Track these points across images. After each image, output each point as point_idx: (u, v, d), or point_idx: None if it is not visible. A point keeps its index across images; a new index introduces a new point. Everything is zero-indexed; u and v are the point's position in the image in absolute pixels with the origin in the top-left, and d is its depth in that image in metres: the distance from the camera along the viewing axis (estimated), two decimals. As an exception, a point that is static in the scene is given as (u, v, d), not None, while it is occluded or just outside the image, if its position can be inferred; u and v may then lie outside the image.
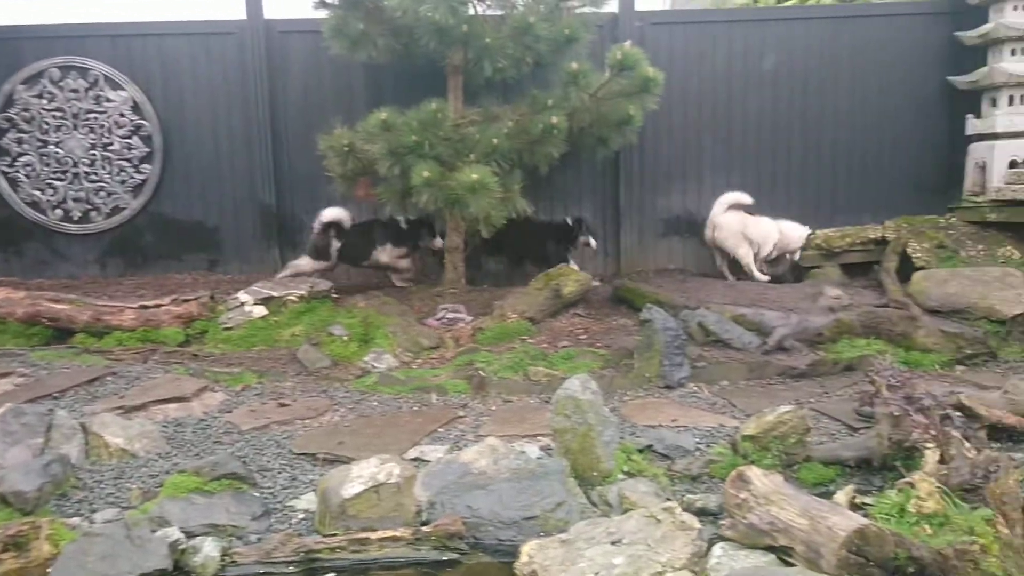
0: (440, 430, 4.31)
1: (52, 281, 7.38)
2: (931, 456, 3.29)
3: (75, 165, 7.43)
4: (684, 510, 3.01)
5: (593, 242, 7.32)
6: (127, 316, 5.85)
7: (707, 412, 4.58)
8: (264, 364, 5.49)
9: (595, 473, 3.55)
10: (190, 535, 3.12)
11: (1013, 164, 7.02)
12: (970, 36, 7.21)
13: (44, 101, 7.36)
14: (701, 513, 3.28)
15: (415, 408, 4.73)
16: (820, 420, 4.33)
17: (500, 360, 5.30)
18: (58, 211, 7.49)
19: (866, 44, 7.57)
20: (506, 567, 3.00)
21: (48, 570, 2.86)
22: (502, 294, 6.47)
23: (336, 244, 6.99)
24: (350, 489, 3.26)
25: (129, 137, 7.42)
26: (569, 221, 7.27)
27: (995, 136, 7.08)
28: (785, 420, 3.69)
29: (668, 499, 3.35)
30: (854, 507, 3.09)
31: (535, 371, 5.10)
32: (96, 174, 7.44)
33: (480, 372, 5.12)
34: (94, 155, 7.42)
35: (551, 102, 6.19)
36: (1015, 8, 6.95)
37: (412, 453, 3.96)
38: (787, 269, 7.41)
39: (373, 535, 3.14)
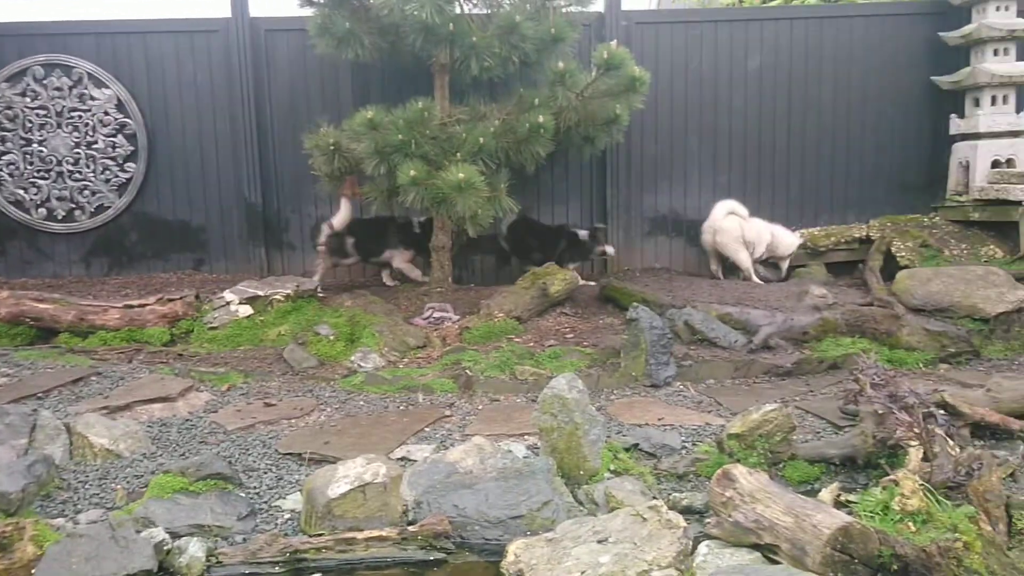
0: (427, 429, 4.30)
1: (36, 280, 7.33)
2: (915, 454, 3.31)
3: (59, 164, 7.37)
4: (670, 509, 3.02)
5: (610, 250, 7.34)
6: (112, 316, 5.81)
7: (693, 411, 4.60)
8: (250, 364, 5.47)
9: (581, 472, 3.56)
10: (175, 536, 3.11)
11: (996, 164, 7.09)
12: (953, 36, 7.27)
13: (27, 99, 7.30)
14: (687, 511, 3.30)
15: (402, 407, 4.72)
16: (805, 418, 4.36)
17: (487, 359, 5.30)
18: (42, 210, 7.44)
19: (850, 44, 7.62)
20: (493, 566, 3.01)
21: (32, 571, 2.83)
22: (489, 293, 6.47)
23: (350, 240, 6.99)
24: (336, 489, 3.26)
25: (114, 135, 7.37)
26: (586, 232, 7.26)
27: (978, 136, 7.14)
28: (770, 418, 3.71)
29: (654, 498, 3.37)
30: (839, 505, 3.11)
31: (522, 370, 5.11)
32: (80, 173, 7.39)
33: (467, 371, 5.12)
34: (78, 154, 7.37)
35: (538, 101, 6.19)
36: (998, 9, 7.01)
37: (398, 453, 3.95)
38: (785, 274, 7.40)
39: (359, 535, 3.14)
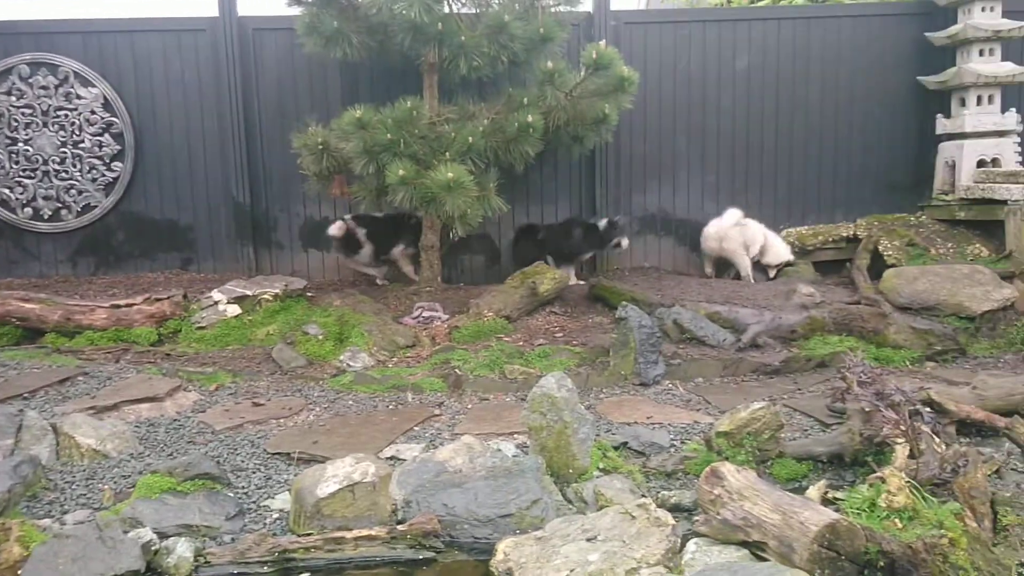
0: (416, 429, 4.30)
1: (22, 280, 7.28)
2: (901, 451, 3.33)
3: (45, 163, 7.32)
4: (659, 506, 3.04)
5: (624, 243, 7.34)
6: (99, 315, 5.78)
7: (682, 409, 4.61)
8: (238, 363, 5.45)
9: (571, 470, 3.57)
10: (163, 536, 3.10)
11: (981, 163, 7.14)
12: (939, 37, 7.31)
13: (13, 98, 7.25)
14: (675, 509, 3.31)
15: (391, 407, 4.72)
16: (793, 416, 4.38)
17: (476, 358, 5.30)
18: (28, 209, 7.39)
19: (838, 44, 7.65)
20: (482, 565, 3.01)
21: (18, 572, 2.82)
22: (478, 292, 6.47)
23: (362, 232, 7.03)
24: (325, 488, 3.25)
25: (100, 134, 7.33)
26: (603, 223, 7.25)
27: (964, 136, 7.19)
28: (758, 416, 3.72)
29: (643, 496, 3.38)
30: (826, 502, 3.13)
31: (511, 369, 5.11)
32: (67, 172, 7.34)
33: (456, 370, 5.12)
34: (64, 153, 7.32)
35: (527, 100, 6.20)
36: (983, 9, 7.06)
37: (388, 452, 3.95)
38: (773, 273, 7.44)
39: (348, 534, 3.14)
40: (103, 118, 7.31)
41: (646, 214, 7.73)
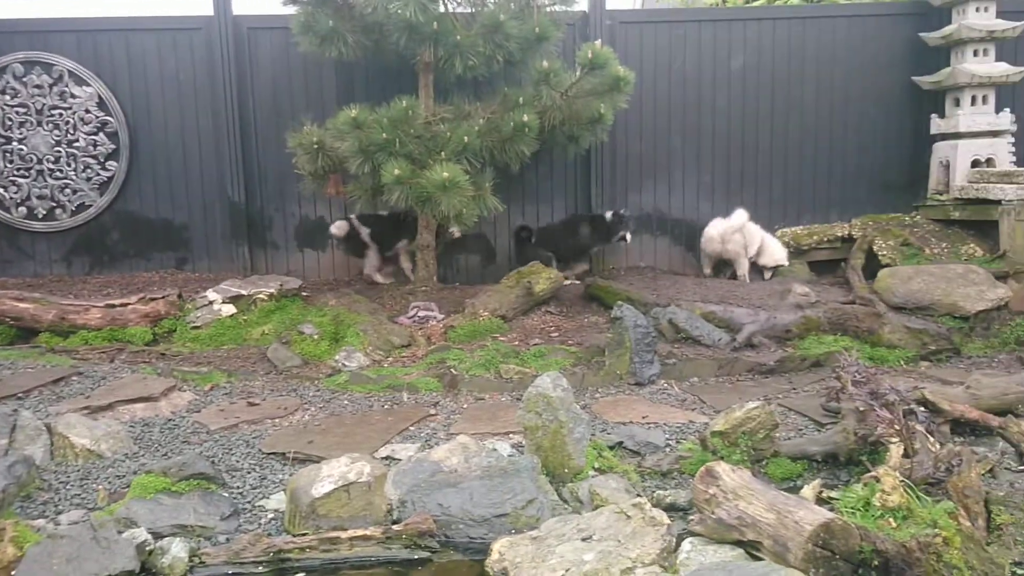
0: (411, 428, 4.30)
1: (16, 280, 7.25)
2: (895, 450, 3.34)
3: (40, 162, 7.30)
4: (654, 506, 3.04)
5: (629, 236, 7.34)
6: (93, 315, 5.77)
7: (677, 409, 4.62)
8: (233, 363, 5.44)
9: (566, 470, 3.57)
10: (158, 536, 3.09)
11: (976, 163, 7.16)
12: (934, 37, 7.33)
13: (7, 97, 7.23)
14: (671, 509, 3.31)
15: (386, 406, 4.71)
16: (788, 416, 4.39)
17: (472, 358, 5.30)
18: (22, 208, 7.36)
19: (833, 45, 7.67)
20: (477, 565, 3.01)
21: (12, 573, 2.81)
22: (474, 292, 6.47)
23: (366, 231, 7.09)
24: (320, 488, 3.25)
25: (95, 133, 7.31)
26: (609, 215, 7.26)
27: (958, 136, 7.21)
28: (753, 416, 3.73)
29: (638, 495, 3.38)
30: (820, 501, 3.14)
31: (507, 369, 5.11)
32: (61, 171, 7.32)
33: (452, 370, 5.12)
34: (59, 152, 7.30)
35: (522, 100, 6.20)
36: (977, 10, 7.08)
37: (383, 452, 3.95)
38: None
39: (343, 534, 3.13)
40: (98, 117, 7.29)
41: (642, 214, 7.73)
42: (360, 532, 3.15)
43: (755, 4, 10.65)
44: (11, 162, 7.28)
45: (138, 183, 7.45)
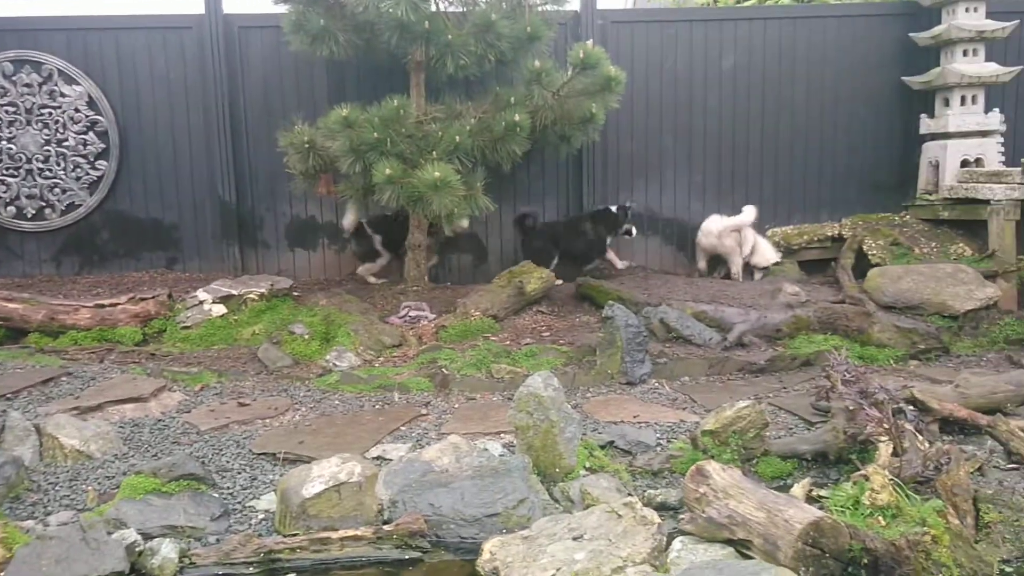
0: (402, 428, 4.30)
1: (5, 280, 7.21)
2: (884, 449, 3.36)
3: (29, 161, 7.26)
4: (645, 505, 3.05)
5: (634, 230, 7.35)
6: (83, 315, 5.74)
7: (668, 408, 4.63)
8: (224, 363, 5.43)
9: (557, 469, 3.58)
10: (147, 537, 3.09)
11: (965, 163, 7.19)
12: (923, 37, 7.36)
13: (-4, 96, 7.20)
14: (662, 508, 3.32)
15: (377, 406, 4.71)
16: (778, 415, 4.40)
17: (463, 358, 5.30)
18: (11, 208, 7.32)
19: (823, 45, 7.69)
20: (468, 564, 3.01)
21: (0, 574, 2.80)
22: (465, 292, 6.47)
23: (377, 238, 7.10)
24: (311, 489, 3.24)
25: (85, 133, 7.27)
26: (615, 208, 7.26)
27: (947, 136, 7.23)
28: (744, 415, 3.74)
29: (629, 494, 3.39)
30: (810, 500, 3.15)
31: (498, 368, 5.11)
32: (51, 170, 7.28)
33: (443, 370, 5.12)
34: (48, 151, 7.26)
35: (514, 100, 6.19)
36: (967, 10, 7.10)
37: (374, 452, 3.95)
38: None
39: (334, 535, 3.13)
40: (87, 116, 7.25)
41: (633, 213, 7.73)
42: (351, 532, 3.14)
43: (746, 4, 10.67)
44: (0, 161, 7.24)
45: (128, 182, 7.41)
